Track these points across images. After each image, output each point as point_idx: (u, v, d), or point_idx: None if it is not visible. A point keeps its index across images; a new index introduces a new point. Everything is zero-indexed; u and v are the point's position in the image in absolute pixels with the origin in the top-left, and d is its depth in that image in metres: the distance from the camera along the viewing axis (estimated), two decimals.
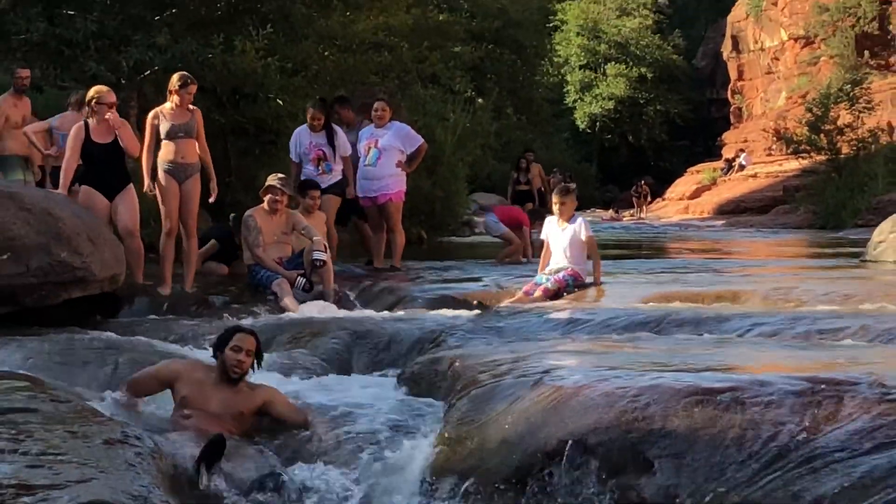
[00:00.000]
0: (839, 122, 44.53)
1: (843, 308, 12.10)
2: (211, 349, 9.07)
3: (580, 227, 14.55)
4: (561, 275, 14.35)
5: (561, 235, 14.58)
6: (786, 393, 7.33)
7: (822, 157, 44.29)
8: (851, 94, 46.58)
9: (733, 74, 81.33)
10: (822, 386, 7.37)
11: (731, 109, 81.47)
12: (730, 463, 6.83)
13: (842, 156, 43.18)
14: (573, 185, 16.64)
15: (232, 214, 17.67)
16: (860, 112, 45.63)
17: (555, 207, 14.80)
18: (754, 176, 59.66)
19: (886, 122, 50.07)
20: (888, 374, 7.53)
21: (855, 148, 43.23)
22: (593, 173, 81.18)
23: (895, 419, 6.78)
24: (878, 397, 7.09)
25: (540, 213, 20.49)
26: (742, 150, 67.48)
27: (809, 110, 46.54)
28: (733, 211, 53.70)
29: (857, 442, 6.66)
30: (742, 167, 64.41)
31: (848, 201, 38.07)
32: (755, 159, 64.18)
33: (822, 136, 44.35)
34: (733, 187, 59.83)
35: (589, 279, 14.70)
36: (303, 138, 17.68)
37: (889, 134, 47.01)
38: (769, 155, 61.46)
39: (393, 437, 8.66)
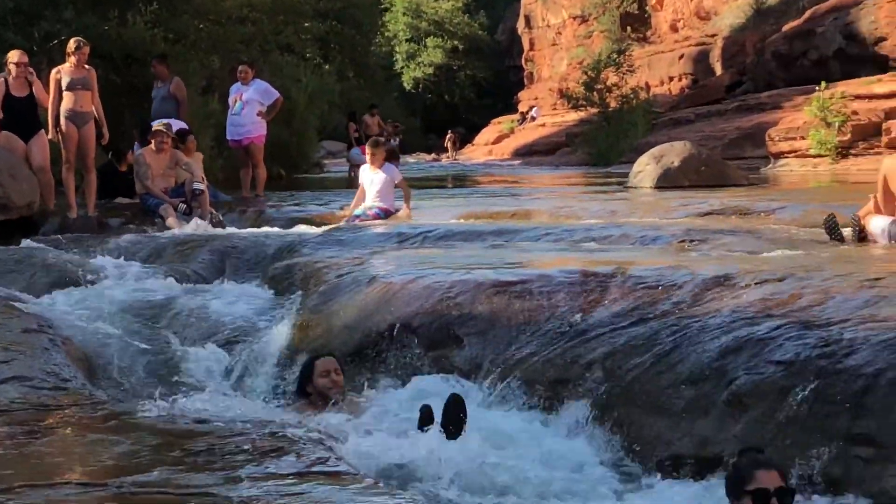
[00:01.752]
0: (608, 83, 44.91)
1: (609, 220, 12.34)
2: (295, 393, 7.02)
3: (392, 172, 14.28)
4: (374, 210, 14.15)
5: (374, 179, 14.23)
6: (564, 283, 7.47)
7: (595, 110, 44.65)
8: (617, 60, 47.03)
9: (526, 46, 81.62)
10: (592, 278, 7.52)
11: (525, 74, 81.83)
12: (521, 337, 6.94)
13: (610, 109, 43.58)
14: (382, 139, 16.41)
15: (110, 151, 17.40)
16: (624, 74, 46.05)
17: (367, 157, 14.48)
18: (543, 125, 59.98)
19: (644, 82, 50.71)
20: (640, 268, 7.71)
21: (620, 102, 43.67)
22: (418, 125, 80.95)
23: (646, 301, 6.95)
24: (633, 285, 7.25)
25: (395, 153, 20.57)
26: (533, 106, 67.88)
27: (585, 73, 46.86)
28: (527, 153, 53.91)
29: (618, 319, 6.81)
30: (533, 119, 64.76)
31: (615, 144, 38.48)
32: (544, 112, 64.56)
33: (594, 93, 44.71)
34: (527, 135, 60.10)
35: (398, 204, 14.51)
36: None
37: (646, 91, 47.56)
38: (554, 109, 61.84)
39: (258, 325, 8.68)
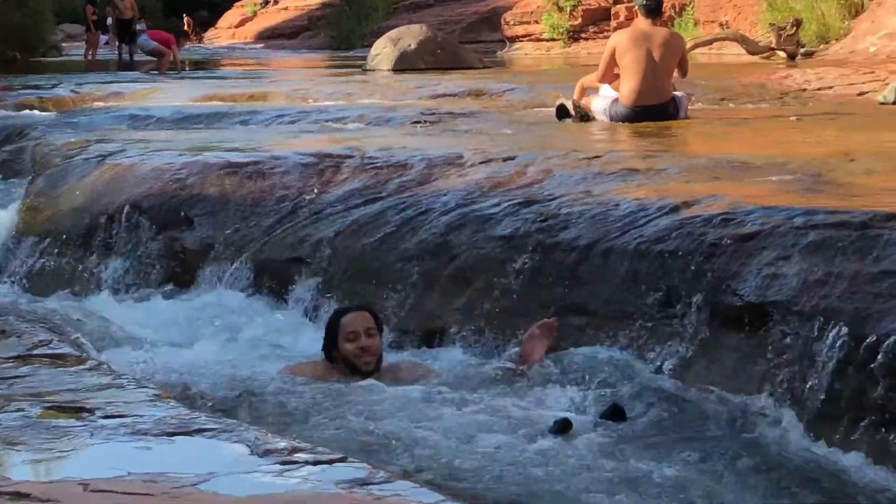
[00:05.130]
0: None
1: (345, 102, 12.30)
2: (322, 351, 5.29)
3: None
4: None
5: None
6: (297, 164, 7.42)
7: None
8: None
9: None
10: (325, 158, 7.49)
11: None
12: (253, 218, 6.87)
13: None
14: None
15: None
16: None
17: None
18: (286, 9, 59.03)
19: None
20: (372, 149, 7.72)
21: None
22: (160, 7, 78.70)
23: (377, 181, 6.96)
24: (364, 165, 7.25)
25: (185, 34, 20.43)
26: None
27: None
28: (270, 36, 53.02)
29: (350, 198, 6.81)
30: (276, 2, 63.77)
31: (357, 27, 38.30)
32: None
33: None
34: (270, 18, 59.06)
35: None
36: None
37: None
38: None
39: None
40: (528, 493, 3.80)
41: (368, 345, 5.10)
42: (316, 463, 3.18)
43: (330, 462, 3.22)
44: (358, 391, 4.83)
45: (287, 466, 3.14)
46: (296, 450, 3.33)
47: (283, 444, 3.41)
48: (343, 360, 5.12)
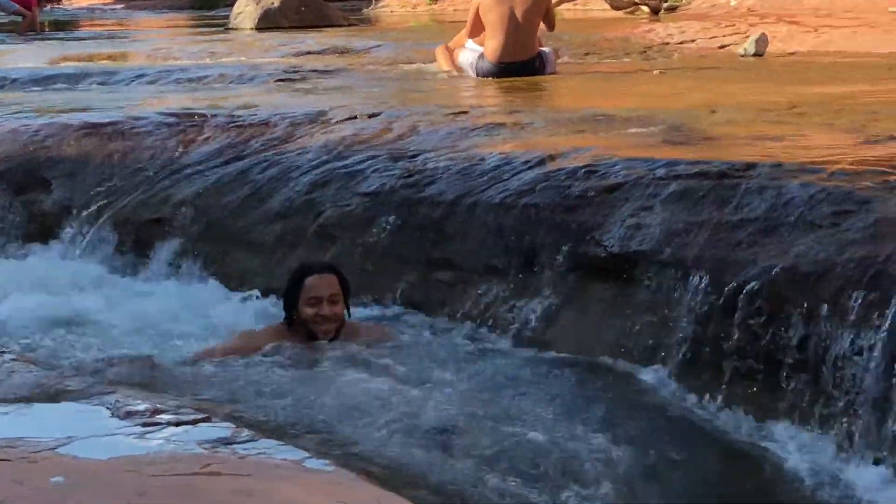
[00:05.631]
0: None
1: (207, 61, 12.09)
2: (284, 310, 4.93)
3: None
4: None
5: None
6: (158, 124, 7.31)
7: None
8: None
9: None
10: (187, 118, 7.39)
11: None
12: (113, 179, 6.75)
13: None
14: None
15: None
16: None
17: None
18: None
19: None
20: (235, 107, 7.65)
21: None
22: None
23: (240, 140, 6.89)
24: (227, 124, 7.16)
25: None
26: None
27: None
28: None
29: (212, 158, 6.73)
30: None
31: None
32: None
33: None
34: None
35: None
36: None
37: None
38: None
39: None
40: (405, 465, 3.60)
41: (329, 314, 4.73)
42: (178, 424, 3.16)
43: (193, 422, 3.19)
44: (295, 358, 4.63)
45: (148, 428, 3.11)
46: (158, 411, 3.30)
47: (144, 405, 3.37)
48: (302, 322, 4.76)
